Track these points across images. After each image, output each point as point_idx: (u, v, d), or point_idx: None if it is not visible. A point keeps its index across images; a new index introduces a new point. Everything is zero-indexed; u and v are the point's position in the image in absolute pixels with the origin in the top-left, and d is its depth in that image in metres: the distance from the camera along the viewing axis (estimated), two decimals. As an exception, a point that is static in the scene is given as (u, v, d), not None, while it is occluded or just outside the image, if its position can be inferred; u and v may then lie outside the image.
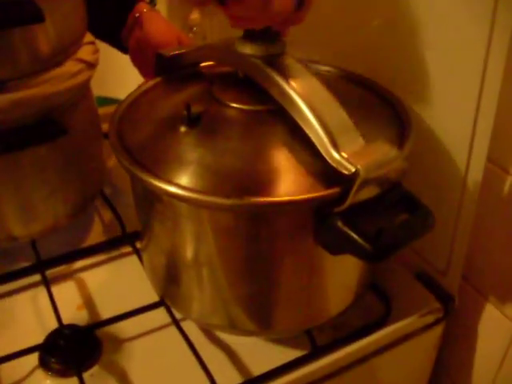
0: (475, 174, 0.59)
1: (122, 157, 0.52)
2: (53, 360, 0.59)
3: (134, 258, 0.71)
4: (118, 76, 1.14)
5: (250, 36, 0.53)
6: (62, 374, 0.59)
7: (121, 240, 0.74)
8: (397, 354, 0.65)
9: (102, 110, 0.78)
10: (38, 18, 0.54)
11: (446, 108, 0.60)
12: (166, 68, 0.64)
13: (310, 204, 0.48)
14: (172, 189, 0.48)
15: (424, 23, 0.59)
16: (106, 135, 0.75)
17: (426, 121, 0.62)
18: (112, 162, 0.81)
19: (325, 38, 0.71)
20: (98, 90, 0.78)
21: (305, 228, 0.50)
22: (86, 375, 0.58)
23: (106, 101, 1.31)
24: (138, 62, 0.83)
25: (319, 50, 0.68)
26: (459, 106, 0.58)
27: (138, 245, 0.72)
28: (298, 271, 0.54)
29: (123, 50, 0.85)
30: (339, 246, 0.49)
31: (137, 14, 0.81)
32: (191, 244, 0.54)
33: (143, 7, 0.81)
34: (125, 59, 1.29)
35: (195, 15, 1.14)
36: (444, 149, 0.61)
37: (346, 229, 0.47)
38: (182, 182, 0.49)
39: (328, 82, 0.52)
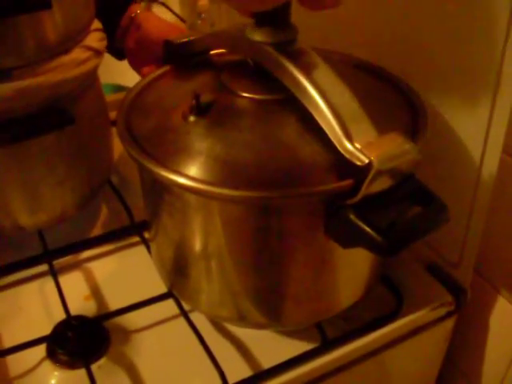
0: (490, 166, 0.58)
1: (130, 146, 0.51)
2: (60, 351, 0.59)
3: (143, 248, 0.70)
4: (126, 63, 1.13)
5: (261, 22, 0.52)
6: (70, 365, 0.59)
7: (129, 230, 0.73)
8: (408, 346, 0.65)
9: (109, 98, 0.77)
10: (45, 4, 0.53)
11: (461, 99, 0.59)
12: (174, 56, 0.63)
13: (321, 196, 0.47)
14: (180, 179, 0.47)
15: (439, 13, 0.58)
16: (114, 123, 0.74)
17: (441, 112, 0.61)
18: (120, 150, 0.80)
19: (337, 26, 0.70)
20: (105, 77, 0.77)
21: (316, 220, 0.49)
22: (93, 367, 0.58)
23: (113, 88, 1.30)
24: (136, 64, 0.83)
25: (330, 39, 0.67)
26: (475, 97, 0.57)
27: (147, 235, 0.71)
28: (308, 264, 0.53)
29: (116, 54, 0.84)
30: (351, 239, 0.48)
31: (132, 14, 0.80)
32: (200, 235, 0.53)
33: (137, 8, 0.81)
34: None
35: (204, 1, 1.13)
36: (458, 140, 0.60)
37: (358, 221, 0.45)
38: (190, 173, 0.48)
39: (341, 71, 0.50)
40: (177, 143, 0.51)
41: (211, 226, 0.51)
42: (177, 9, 1.37)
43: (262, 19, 0.52)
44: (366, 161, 0.44)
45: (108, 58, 0.71)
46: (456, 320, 0.68)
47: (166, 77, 0.62)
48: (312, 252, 0.52)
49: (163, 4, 1.44)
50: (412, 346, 0.66)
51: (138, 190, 0.75)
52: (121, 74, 1.07)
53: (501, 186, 0.59)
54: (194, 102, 0.51)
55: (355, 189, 0.45)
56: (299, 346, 0.60)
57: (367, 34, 0.68)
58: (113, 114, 0.73)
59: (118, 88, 1.30)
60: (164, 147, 0.51)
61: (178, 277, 0.59)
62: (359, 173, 0.45)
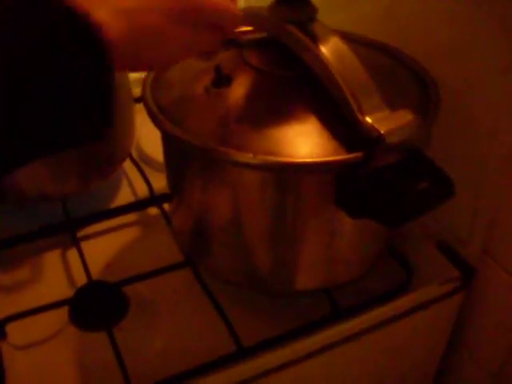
0: (501, 146, 0.60)
1: (157, 116, 0.54)
2: (82, 314, 0.62)
3: (161, 219, 0.73)
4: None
5: (282, 1, 0.54)
6: (92, 327, 0.61)
7: (149, 202, 0.76)
8: (416, 320, 0.67)
9: (131, 76, 0.79)
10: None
11: (472, 77, 0.61)
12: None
13: (332, 166, 0.49)
14: (202, 146, 0.50)
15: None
16: (137, 100, 0.76)
17: (451, 88, 0.62)
18: (141, 127, 0.82)
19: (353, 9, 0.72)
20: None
21: (327, 190, 0.51)
22: (114, 329, 0.60)
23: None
24: None
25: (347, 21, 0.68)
26: (486, 74, 0.59)
27: (166, 207, 0.73)
28: (319, 232, 0.56)
29: None
30: (359, 209, 0.50)
31: None
32: (219, 204, 0.56)
33: None
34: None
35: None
36: (470, 117, 0.62)
37: (366, 193, 0.48)
38: (211, 142, 0.50)
39: (357, 50, 0.52)
40: (199, 114, 0.53)
41: (230, 194, 0.54)
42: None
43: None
44: (376, 134, 0.47)
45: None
46: (463, 297, 0.70)
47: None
48: (323, 221, 0.54)
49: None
50: (420, 321, 0.68)
51: (157, 166, 0.78)
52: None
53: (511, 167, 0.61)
54: (214, 74, 0.53)
55: (365, 161, 0.48)
56: (311, 316, 0.62)
57: (382, 15, 0.69)
58: (135, 91, 0.75)
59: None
60: (187, 118, 0.53)
61: (197, 244, 0.62)
62: (369, 145, 0.47)
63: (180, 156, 0.57)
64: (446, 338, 0.75)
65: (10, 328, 0.60)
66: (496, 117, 0.59)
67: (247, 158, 0.48)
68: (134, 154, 0.83)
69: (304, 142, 0.50)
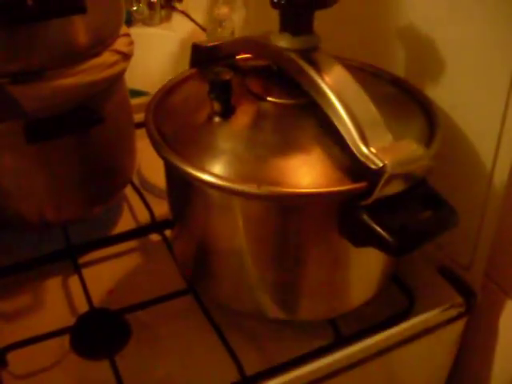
0: (502, 172, 0.60)
1: (159, 144, 0.54)
2: (84, 342, 0.61)
3: (163, 245, 0.73)
4: (145, 68, 1.15)
5: (285, 29, 0.54)
6: (94, 355, 0.61)
7: (150, 228, 0.76)
8: (418, 347, 0.66)
9: (132, 102, 0.79)
10: (80, 9, 0.55)
11: (473, 105, 0.61)
12: (201, 60, 0.65)
13: (336, 197, 0.50)
14: (206, 177, 0.50)
15: (449, 18, 0.61)
16: (137, 125, 0.77)
17: (453, 118, 0.63)
18: (142, 152, 0.83)
19: (357, 36, 0.73)
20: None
21: (331, 220, 0.51)
22: (116, 357, 0.59)
23: (132, 92, 1.33)
24: None
25: (351, 48, 0.69)
26: (487, 104, 0.59)
27: (167, 233, 0.73)
28: (323, 261, 0.56)
29: None
30: (363, 238, 0.51)
31: None
32: (222, 232, 0.56)
33: None
34: (152, 52, 1.31)
35: (224, 10, 1.16)
36: (471, 145, 0.62)
37: (370, 222, 0.48)
38: (214, 171, 0.50)
39: (360, 78, 0.53)
40: (202, 143, 0.53)
41: (233, 222, 0.54)
42: (197, 17, 1.40)
43: (287, 27, 0.54)
44: (380, 165, 0.47)
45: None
46: (466, 323, 0.70)
47: (192, 79, 0.65)
48: (326, 250, 0.55)
49: (183, 12, 1.47)
50: (422, 347, 0.67)
51: (159, 192, 0.78)
52: (140, 79, 1.10)
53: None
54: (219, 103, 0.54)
55: (369, 191, 0.48)
56: (314, 342, 0.62)
57: (383, 42, 0.70)
58: (136, 117, 0.76)
59: (138, 93, 1.33)
60: (190, 146, 0.53)
61: (199, 272, 0.62)
62: (373, 176, 0.48)
63: (182, 184, 0.57)
64: (449, 363, 0.74)
65: (11, 356, 0.59)
66: (497, 144, 0.59)
67: (251, 188, 0.48)
68: (136, 180, 0.83)
69: (308, 171, 0.50)
